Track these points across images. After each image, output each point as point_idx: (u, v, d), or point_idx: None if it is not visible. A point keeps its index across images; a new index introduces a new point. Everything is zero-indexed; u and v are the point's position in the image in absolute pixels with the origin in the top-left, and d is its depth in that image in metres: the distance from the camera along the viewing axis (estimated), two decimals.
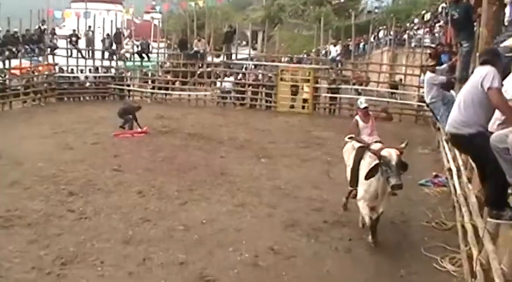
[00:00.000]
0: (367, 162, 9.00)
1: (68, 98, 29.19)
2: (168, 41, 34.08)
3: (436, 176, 13.55)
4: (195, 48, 29.28)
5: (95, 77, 30.09)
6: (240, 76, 29.67)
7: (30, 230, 9.65)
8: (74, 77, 29.68)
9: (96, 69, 30.36)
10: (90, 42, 30.57)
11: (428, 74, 13.53)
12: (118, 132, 19.03)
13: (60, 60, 29.34)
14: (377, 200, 8.99)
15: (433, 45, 23.37)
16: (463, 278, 8.04)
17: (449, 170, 12.02)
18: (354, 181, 9.66)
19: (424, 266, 8.38)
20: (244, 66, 31.79)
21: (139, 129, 19.46)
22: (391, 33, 31.21)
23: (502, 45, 6.14)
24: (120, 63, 30.65)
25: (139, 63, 30.99)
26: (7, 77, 26.44)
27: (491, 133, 5.37)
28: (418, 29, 35.94)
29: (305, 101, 27.18)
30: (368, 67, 30.00)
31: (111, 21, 31.63)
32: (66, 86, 29.28)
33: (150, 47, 31.08)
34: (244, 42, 40.85)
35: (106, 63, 30.66)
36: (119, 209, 10.99)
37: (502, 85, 5.68)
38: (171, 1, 45.80)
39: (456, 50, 14.32)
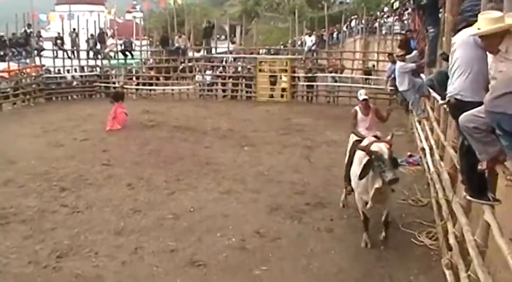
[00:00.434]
0: (358, 158, 8.51)
1: (56, 98, 28.91)
2: (150, 39, 33.88)
3: (411, 156, 13.63)
4: (176, 44, 29.27)
5: (81, 76, 29.88)
6: (220, 69, 29.57)
7: (25, 226, 9.62)
8: (61, 77, 29.43)
9: (82, 68, 30.15)
10: (75, 43, 30.36)
11: (399, 63, 13.62)
12: (109, 125, 19.04)
13: (46, 61, 29.08)
14: (368, 194, 8.21)
15: (403, 32, 23.41)
16: (440, 251, 8.11)
17: (423, 149, 12.09)
18: (347, 176, 9.29)
19: (402, 242, 8.45)
20: (224, 59, 31.68)
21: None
22: (363, 22, 31.16)
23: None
24: (105, 62, 30.41)
25: (123, 61, 30.77)
26: None
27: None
28: (388, 17, 36.06)
29: (283, 90, 27.28)
30: (342, 55, 30.05)
31: (95, 21, 31.42)
32: (54, 86, 29.01)
33: (133, 45, 30.84)
34: (223, 37, 40.58)
35: (91, 62, 30.49)
36: (110, 201, 10.98)
37: None
38: (151, 0, 45.40)
39: (424, 36, 14.36)
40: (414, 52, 14.56)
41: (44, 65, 28.89)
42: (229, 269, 7.93)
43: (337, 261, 8.19)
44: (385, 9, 43.93)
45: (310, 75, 26.95)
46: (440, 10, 12.52)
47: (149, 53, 31.95)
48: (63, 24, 31.37)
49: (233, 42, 34.91)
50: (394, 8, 39.62)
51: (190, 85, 28.87)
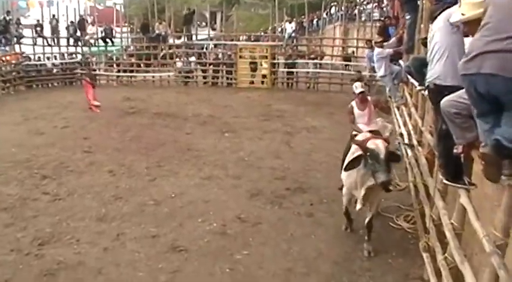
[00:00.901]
0: (351, 152, 7.95)
1: (36, 85, 28.47)
2: (131, 26, 33.55)
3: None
4: (157, 31, 29.02)
5: (61, 64, 29.51)
6: (200, 56, 29.42)
7: (6, 214, 9.54)
8: (41, 65, 29.01)
9: (63, 55, 29.78)
10: (55, 30, 29.98)
11: (377, 50, 13.64)
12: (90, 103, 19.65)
13: (26, 49, 28.65)
14: (357, 191, 7.75)
15: (382, 19, 23.44)
16: (417, 234, 8.19)
17: (401, 134, 12.15)
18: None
19: (381, 225, 8.51)
20: (205, 46, 31.52)
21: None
22: (343, 8, 31.12)
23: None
24: (85, 49, 30.08)
25: (103, 48, 30.50)
26: None
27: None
28: (368, 3, 35.99)
29: (264, 76, 27.20)
30: (322, 42, 30.02)
31: (74, 8, 30.95)
32: (34, 74, 28.56)
33: (114, 32, 30.56)
34: (203, 23, 40.34)
35: (71, 49, 30.13)
36: (91, 188, 10.92)
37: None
38: None
39: (402, 23, 14.41)
40: (393, 39, 14.60)
41: (23, 53, 28.45)
42: (211, 254, 7.95)
43: (317, 245, 8.25)
44: None
45: (290, 61, 26.93)
46: None
47: (130, 40, 31.65)
48: (42, 11, 30.96)
49: (214, 29, 34.70)
50: None
51: (171, 72, 28.69)
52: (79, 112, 19.43)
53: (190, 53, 29.08)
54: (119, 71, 29.98)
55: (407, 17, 12.75)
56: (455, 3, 5.37)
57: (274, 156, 13.33)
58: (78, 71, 28.52)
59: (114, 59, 31.15)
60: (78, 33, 29.95)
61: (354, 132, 8.46)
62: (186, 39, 29.58)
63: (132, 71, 29.79)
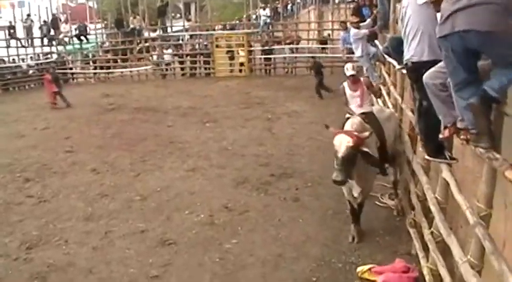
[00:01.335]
0: None
1: (13, 88, 28.05)
2: (105, 22, 33.30)
3: None
4: (132, 26, 28.83)
5: (37, 64, 29.16)
6: (177, 48, 29.27)
7: None
8: (16, 67, 28.71)
9: (38, 56, 29.45)
10: (30, 30, 29.57)
11: (353, 31, 13.63)
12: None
13: (0, 51, 28.29)
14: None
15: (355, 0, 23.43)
16: (403, 211, 8.26)
17: None
18: None
19: (367, 205, 8.52)
20: (181, 37, 31.33)
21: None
22: None
23: None
24: (60, 48, 29.79)
25: (79, 46, 30.19)
26: None
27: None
28: None
29: (242, 64, 27.13)
30: (297, 26, 30.08)
31: (46, 7, 30.56)
32: (9, 76, 28.22)
33: (88, 29, 30.26)
34: (178, 15, 40.15)
35: (46, 49, 29.81)
36: (76, 188, 10.87)
37: None
38: None
39: (375, 3, 14.43)
40: (368, 19, 14.60)
41: None
42: (200, 245, 7.97)
43: (305, 229, 8.31)
44: None
45: (267, 48, 26.89)
46: None
47: (104, 36, 31.34)
48: (14, 12, 30.57)
49: (188, 20, 34.44)
50: None
51: (148, 65, 28.51)
52: (58, 112, 19.33)
53: (167, 46, 28.90)
54: (95, 68, 29.72)
55: None
56: None
57: (257, 143, 13.35)
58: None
59: (90, 56, 30.88)
60: (52, 33, 29.58)
61: (347, 115, 8.33)
62: (161, 32, 29.38)
63: (109, 67, 29.54)
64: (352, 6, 22.16)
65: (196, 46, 28.95)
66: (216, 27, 32.25)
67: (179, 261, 7.55)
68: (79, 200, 10.17)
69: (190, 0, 45.30)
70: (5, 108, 21.44)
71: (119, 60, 29.44)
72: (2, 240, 8.54)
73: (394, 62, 8.70)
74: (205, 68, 27.84)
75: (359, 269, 6.82)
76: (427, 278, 5.92)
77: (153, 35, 29.66)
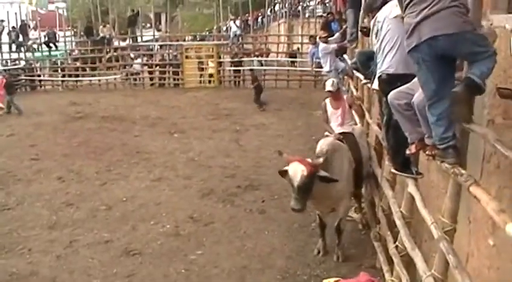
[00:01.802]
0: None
1: None
2: (74, 29, 32.97)
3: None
4: (101, 34, 28.39)
5: (4, 70, 28.64)
6: (146, 58, 29.11)
7: None
8: None
9: (6, 62, 28.94)
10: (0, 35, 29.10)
11: (322, 45, 13.75)
12: None
13: None
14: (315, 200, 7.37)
15: (324, 15, 23.65)
16: (368, 225, 8.29)
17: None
18: None
19: (332, 218, 8.52)
20: (150, 47, 31.18)
21: None
22: (286, 6, 31.37)
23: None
24: (29, 54, 29.28)
25: (47, 53, 29.77)
26: None
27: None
28: (311, 0, 36.31)
29: (211, 75, 27.07)
30: (267, 39, 30.17)
31: (16, 13, 30.08)
32: None
33: (57, 36, 29.88)
34: (148, 25, 39.97)
35: (14, 55, 29.26)
36: (41, 196, 10.71)
37: None
38: None
39: (345, 18, 14.57)
40: (337, 34, 14.74)
41: None
42: (165, 256, 7.90)
43: (270, 240, 8.30)
44: None
45: (236, 60, 26.90)
46: None
47: (74, 43, 30.92)
48: None
49: (159, 30, 34.38)
50: None
51: (117, 74, 28.27)
52: (24, 119, 18.98)
53: (136, 55, 28.73)
54: (64, 76, 29.26)
55: (349, 11, 12.90)
56: None
57: (224, 154, 13.34)
58: (22, 77, 27.90)
59: (59, 63, 30.48)
60: (21, 39, 29.11)
61: (326, 133, 8.26)
62: (131, 41, 29.21)
63: (77, 75, 29.05)
64: (321, 20, 22.38)
65: (166, 56, 28.77)
66: (186, 38, 32.18)
67: (143, 272, 7.46)
68: (44, 208, 10.00)
69: (161, 10, 45.23)
70: None
71: (87, 69, 29.05)
72: None
73: (361, 76, 8.78)
74: (174, 79, 27.66)
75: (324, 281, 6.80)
76: None
77: (122, 44, 29.47)
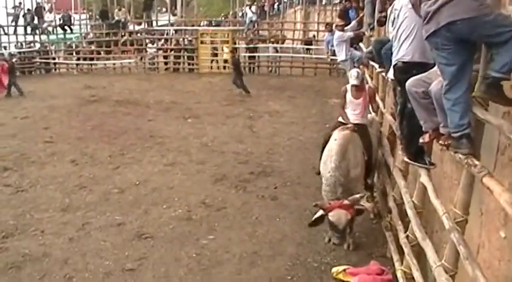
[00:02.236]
0: (333, 139, 7.62)
1: None
2: (90, 12, 32.97)
3: None
4: (116, 18, 28.44)
5: (19, 53, 28.81)
6: (162, 42, 29.11)
7: None
8: None
9: (21, 45, 29.07)
10: (17, 18, 29.14)
11: (337, 33, 13.65)
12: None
13: None
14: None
15: (342, 2, 23.48)
16: (380, 214, 8.28)
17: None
18: (318, 162, 8.00)
19: None
20: (166, 32, 31.17)
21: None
22: None
23: None
24: (44, 37, 29.41)
25: (62, 36, 29.87)
26: None
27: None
28: None
29: (226, 61, 27.02)
30: (283, 26, 30.06)
31: None
32: None
33: (72, 19, 29.95)
34: (163, 9, 39.95)
35: (29, 38, 29.34)
36: (54, 178, 10.77)
37: None
38: None
39: (362, 5, 14.48)
40: (353, 22, 14.64)
41: None
42: (176, 240, 7.95)
43: (282, 227, 8.33)
44: None
45: (251, 46, 26.85)
46: None
47: (89, 27, 31.01)
48: None
49: (174, 15, 34.28)
50: None
51: (132, 58, 28.32)
52: (39, 102, 19.06)
53: (152, 40, 28.72)
54: (78, 59, 29.46)
55: (366, 0, 12.82)
56: None
57: (238, 140, 13.35)
58: (37, 60, 28.04)
59: (74, 46, 30.58)
60: (36, 21, 29.18)
61: (340, 119, 8.17)
62: (146, 26, 29.22)
63: (92, 59, 29.20)
64: (338, 8, 22.23)
65: (181, 41, 28.77)
66: (202, 23, 32.13)
67: (155, 255, 7.52)
68: (57, 191, 10.07)
69: None
70: None
71: (102, 52, 29.17)
72: None
73: (376, 66, 8.74)
74: (189, 64, 27.73)
75: (334, 269, 6.83)
76: (400, 280, 5.95)
77: (137, 28, 29.47)
